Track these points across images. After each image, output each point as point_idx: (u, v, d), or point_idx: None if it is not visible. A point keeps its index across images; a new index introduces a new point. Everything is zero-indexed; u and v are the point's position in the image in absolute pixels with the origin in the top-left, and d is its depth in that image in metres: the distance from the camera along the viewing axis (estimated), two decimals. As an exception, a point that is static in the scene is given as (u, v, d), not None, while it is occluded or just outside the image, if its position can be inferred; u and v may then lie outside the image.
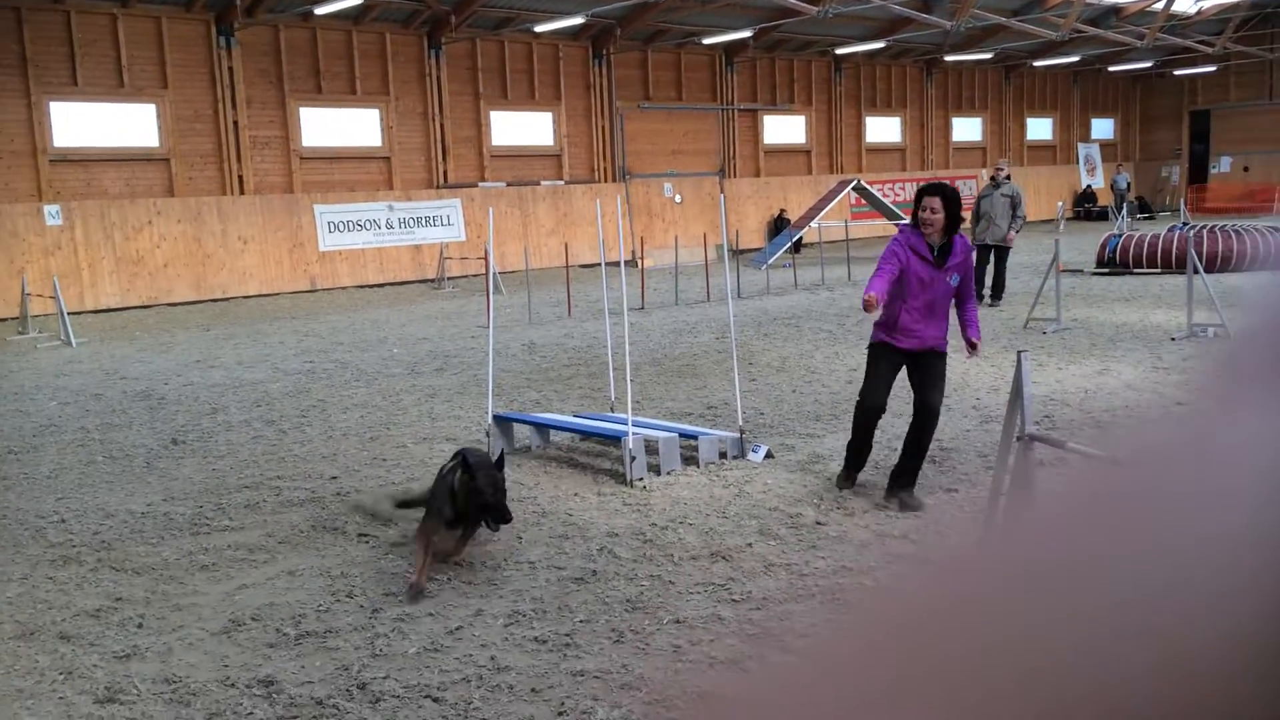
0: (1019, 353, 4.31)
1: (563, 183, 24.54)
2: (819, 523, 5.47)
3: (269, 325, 15.29)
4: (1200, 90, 37.99)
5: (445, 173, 22.85)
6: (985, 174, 34.21)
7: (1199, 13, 30.96)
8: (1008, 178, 14.52)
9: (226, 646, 4.27)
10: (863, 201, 24.31)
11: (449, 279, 20.44)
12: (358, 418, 8.60)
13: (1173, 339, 10.51)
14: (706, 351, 11.37)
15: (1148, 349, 10.10)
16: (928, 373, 5.91)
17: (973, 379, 9.06)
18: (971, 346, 6.06)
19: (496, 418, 7.21)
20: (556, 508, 5.91)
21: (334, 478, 6.77)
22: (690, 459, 6.66)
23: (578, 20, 21.94)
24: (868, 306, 5.65)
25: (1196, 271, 10.79)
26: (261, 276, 19.98)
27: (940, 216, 5.87)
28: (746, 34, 23.55)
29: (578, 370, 10.50)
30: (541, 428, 7.36)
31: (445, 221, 22.41)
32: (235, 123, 19.87)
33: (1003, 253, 14.23)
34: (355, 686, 3.86)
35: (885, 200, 24.02)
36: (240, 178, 20.05)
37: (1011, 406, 4.37)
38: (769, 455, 6.77)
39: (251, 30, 19.96)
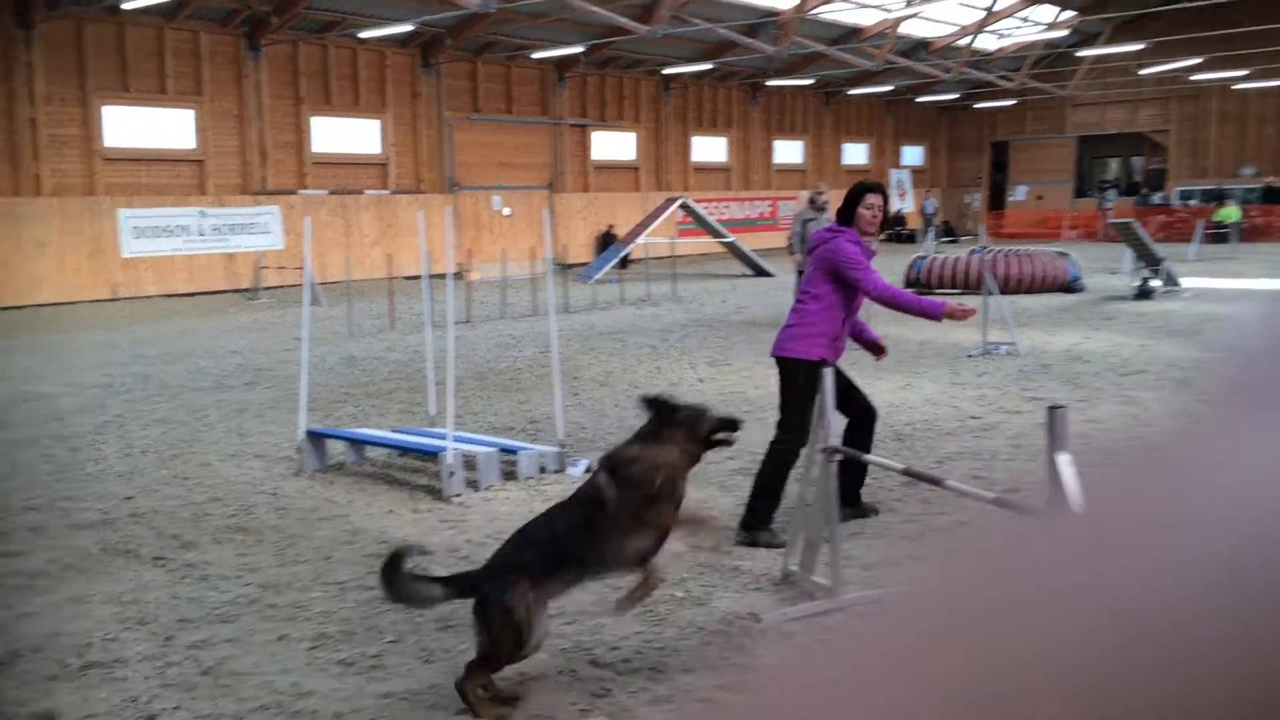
0: (822, 368, 4.47)
1: (388, 192, 24.08)
2: (635, 536, 5.52)
3: (64, 336, 14.37)
4: (1000, 123, 40.53)
5: (264, 179, 22.06)
6: (804, 195, 35.49)
7: (999, 51, 33.06)
8: (826, 201, 14.57)
9: (3, 680, 3.97)
10: (689, 219, 24.80)
11: (265, 289, 19.71)
12: (159, 434, 8.18)
13: (969, 356, 11.13)
14: (531, 366, 11.35)
15: (947, 365, 10.66)
16: (846, 376, 5.57)
17: (787, 393, 9.35)
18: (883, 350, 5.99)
19: (309, 433, 6.99)
20: (370, 526, 5.77)
21: (129, 498, 6.41)
22: (510, 474, 6.62)
23: (406, 27, 21.63)
24: (965, 314, 5.21)
25: (992, 293, 11.48)
26: (57, 284, 18.78)
27: (881, 216, 5.52)
28: (578, 50, 23.75)
29: (398, 385, 10.30)
30: (357, 443, 7.18)
31: (263, 229, 21.62)
32: (32, 120, 18.65)
33: None
34: (143, 718, 3.66)
35: (711, 218, 24.57)
36: (37, 177, 18.82)
37: (816, 420, 4.53)
38: (589, 469, 6.79)
39: (52, 24, 18.79)
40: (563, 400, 7.19)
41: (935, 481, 3.84)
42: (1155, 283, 16.33)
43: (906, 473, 4.11)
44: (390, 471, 6.98)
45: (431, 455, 6.58)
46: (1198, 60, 32.03)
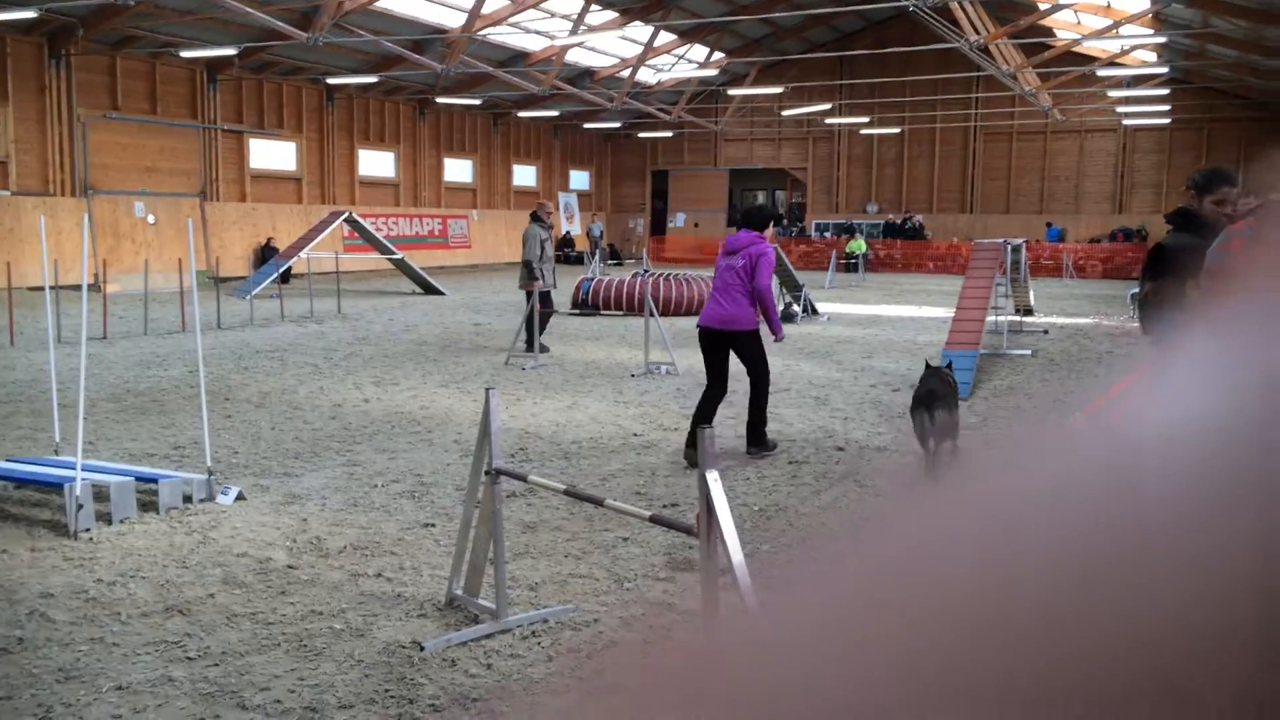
0: (486, 389, 4.45)
1: (9, 193, 21.55)
2: (290, 566, 5.23)
3: None
4: (660, 152, 42.61)
5: None
6: (476, 215, 35.54)
7: (658, 84, 34.77)
8: (552, 216, 13.64)
9: None
10: (355, 234, 24.06)
11: None
12: None
13: (632, 375, 11.55)
14: (177, 386, 10.51)
15: (611, 384, 11.00)
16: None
17: (455, 414, 9.26)
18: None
19: (-101, 466, 6.07)
20: (-25, 570, 5.08)
21: None
22: (150, 504, 6.07)
23: (29, 14, 19.45)
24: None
25: (652, 314, 11.99)
26: None
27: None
28: (231, 51, 22.37)
29: (17, 408, 9.18)
30: (-38, 476, 6.31)
31: None
32: None
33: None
34: None
35: (378, 234, 23.97)
36: None
37: (480, 441, 4.49)
38: (240, 497, 6.37)
39: None
40: (211, 423, 6.70)
41: (596, 501, 3.92)
42: (796, 308, 17.74)
43: (568, 493, 4.16)
44: (6, 506, 6.18)
45: (55, 487, 5.91)
46: (829, 106, 35.30)
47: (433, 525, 5.96)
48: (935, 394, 6.91)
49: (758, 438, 7.68)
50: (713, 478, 3.29)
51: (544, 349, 12.88)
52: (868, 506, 6.30)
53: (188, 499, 6.21)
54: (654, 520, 3.66)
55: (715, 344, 7.58)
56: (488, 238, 36.09)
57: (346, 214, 22.32)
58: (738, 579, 3.22)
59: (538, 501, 6.33)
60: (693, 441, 6.93)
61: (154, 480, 6.17)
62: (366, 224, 23.45)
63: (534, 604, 4.71)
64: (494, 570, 4.47)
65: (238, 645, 4.26)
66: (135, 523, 5.83)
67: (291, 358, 12.77)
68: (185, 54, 23.07)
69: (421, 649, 4.20)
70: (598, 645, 4.27)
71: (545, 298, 12.89)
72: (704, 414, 7.46)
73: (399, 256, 23.14)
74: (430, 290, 23.12)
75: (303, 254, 20.91)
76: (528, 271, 12.89)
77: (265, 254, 25.31)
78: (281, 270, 20.93)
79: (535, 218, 13.21)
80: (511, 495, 6.17)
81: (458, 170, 35.66)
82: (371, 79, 26.86)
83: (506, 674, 4.02)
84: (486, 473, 4.45)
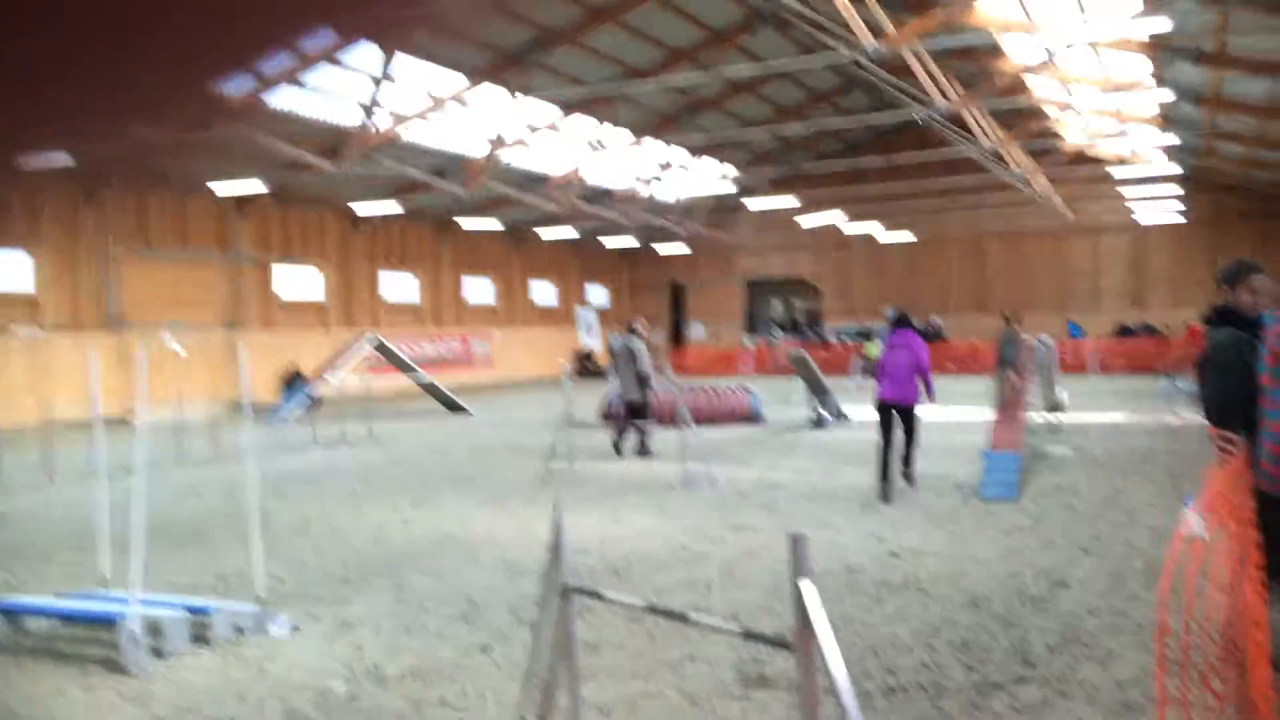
0: (555, 505, 4.38)
1: (41, 332, 21.88)
2: (352, 696, 5.10)
3: None
4: (677, 266, 43.15)
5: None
6: (498, 334, 35.85)
7: (675, 201, 35.44)
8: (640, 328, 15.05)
9: None
10: (381, 357, 24.23)
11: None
12: None
13: (672, 487, 11.43)
14: (215, 516, 10.45)
15: (651, 497, 10.87)
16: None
17: (498, 533, 9.15)
18: None
19: (-50, 605, 5.99)
20: (33, 712, 4.96)
21: None
22: (201, 638, 5.96)
23: (67, 161, 20.05)
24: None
25: (689, 425, 11.93)
26: None
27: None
28: (263, 189, 22.92)
29: (59, 545, 9.12)
30: (12, 614, 6.22)
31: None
32: None
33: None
34: None
35: (404, 356, 24.14)
36: None
37: (553, 560, 4.40)
38: (294, 628, 6.25)
39: None
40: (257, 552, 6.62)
41: (681, 618, 3.81)
42: (825, 413, 17.66)
43: (651, 609, 4.05)
44: (56, 644, 6.08)
45: (107, 622, 5.81)
46: (842, 214, 35.81)
47: (491, 648, 5.82)
48: None
49: (909, 477, 10.83)
50: (807, 586, 3.19)
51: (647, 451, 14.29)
52: (934, 613, 6.13)
53: (240, 631, 6.10)
54: (748, 636, 3.55)
55: (888, 412, 10.51)
56: (509, 355, 36.33)
57: (377, 341, 22.52)
58: (840, 693, 3.09)
59: (595, 620, 6.19)
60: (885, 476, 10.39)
61: (206, 612, 6.07)
62: (393, 346, 23.65)
63: (607, 728, 4.55)
64: (568, 694, 4.32)
65: None
66: (189, 656, 5.71)
67: (327, 482, 12.72)
68: (218, 191, 23.61)
69: (498, 780, 4.03)
70: (680, 770, 4.10)
71: (646, 408, 14.39)
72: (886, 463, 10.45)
73: (426, 378, 23.25)
74: (456, 409, 23.16)
75: (330, 378, 21.02)
76: (645, 384, 14.29)
77: (292, 380, 25.47)
78: (310, 396, 21.04)
79: (636, 333, 14.71)
80: (580, 613, 6.03)
81: (478, 290, 36.12)
82: (396, 207, 27.43)
83: (589, 804, 3.85)
84: (561, 595, 4.34)
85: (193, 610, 6.13)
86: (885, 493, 10.17)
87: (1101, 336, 34.20)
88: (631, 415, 14.41)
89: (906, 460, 10.66)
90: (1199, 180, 32.34)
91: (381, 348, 22.67)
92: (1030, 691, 4.82)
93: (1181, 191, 31.96)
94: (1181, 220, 34.02)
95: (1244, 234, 33.72)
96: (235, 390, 25.43)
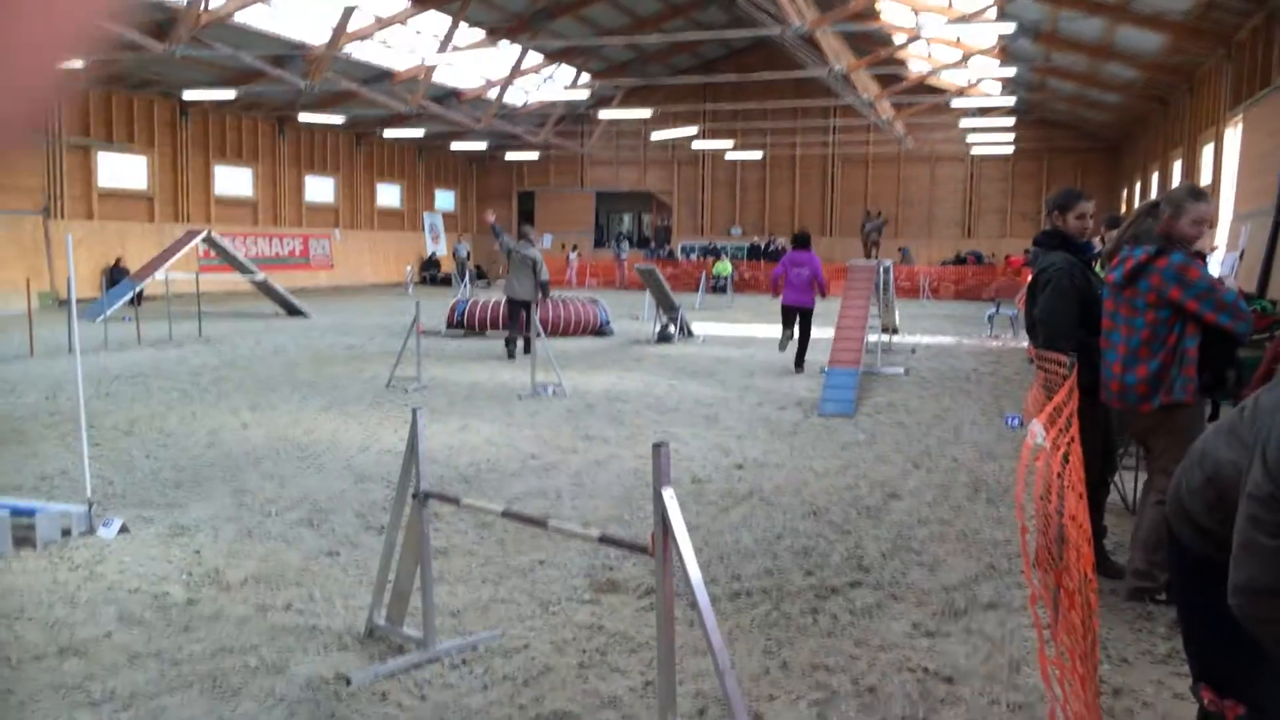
0: (414, 410, 4.31)
1: None
2: (190, 601, 4.94)
3: None
4: (527, 174, 42.51)
5: None
6: (338, 234, 34.70)
7: (524, 106, 34.73)
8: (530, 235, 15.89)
9: None
10: (213, 254, 23.13)
11: None
12: None
13: (520, 397, 11.41)
14: (35, 414, 9.87)
15: (499, 406, 10.84)
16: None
17: (342, 438, 8.97)
18: None
19: None
20: None
21: None
22: (25, 540, 5.65)
23: None
24: None
25: (539, 335, 11.89)
26: None
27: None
28: (78, 64, 21.20)
29: None
30: None
31: None
32: None
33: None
34: None
35: (238, 254, 23.10)
36: None
37: (407, 464, 4.35)
38: (124, 529, 6.00)
39: None
40: (80, 452, 6.29)
41: (539, 523, 3.83)
42: (672, 329, 17.90)
43: (507, 514, 4.05)
44: None
45: (-83, 524, 5.44)
46: (694, 130, 35.91)
47: (337, 554, 5.73)
48: None
49: (800, 365, 13.83)
50: (668, 495, 3.25)
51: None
52: (777, 522, 6.37)
53: (66, 533, 5.82)
54: (604, 540, 3.60)
55: (792, 314, 13.84)
56: (351, 258, 35.28)
57: (205, 233, 21.44)
58: (697, 597, 3.18)
59: (445, 527, 6.17)
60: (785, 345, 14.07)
61: (30, 513, 5.76)
62: (226, 242, 22.58)
63: (459, 631, 4.57)
64: (422, 597, 4.32)
65: (145, 687, 3.99)
66: (12, 559, 5.42)
67: (155, 383, 12.15)
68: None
69: (348, 683, 4.01)
70: (533, 671, 4.16)
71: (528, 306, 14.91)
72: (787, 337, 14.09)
73: (261, 277, 22.35)
74: (294, 312, 22.42)
75: (158, 274, 19.96)
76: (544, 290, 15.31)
77: (115, 275, 24.09)
78: (135, 292, 19.96)
79: (529, 240, 15.60)
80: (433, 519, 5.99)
81: (319, 189, 34.77)
82: (229, 94, 25.93)
83: (442, 705, 3.88)
84: (414, 496, 4.30)
85: (15, 511, 5.81)
86: (784, 345, 14.12)
87: (933, 264, 35.65)
88: (518, 315, 15.21)
89: (800, 353, 13.87)
90: (1030, 115, 33.78)
91: (213, 243, 21.62)
92: (865, 595, 5.08)
93: (1013, 124, 33.35)
94: (1011, 152, 35.53)
95: (1066, 168, 35.53)
96: (51, 282, 23.89)
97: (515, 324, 15.27)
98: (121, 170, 27.12)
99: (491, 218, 15.62)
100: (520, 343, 15.04)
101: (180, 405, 10.61)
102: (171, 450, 8.42)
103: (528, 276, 15.00)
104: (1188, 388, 4.76)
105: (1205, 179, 19.73)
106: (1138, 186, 29.81)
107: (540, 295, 15.10)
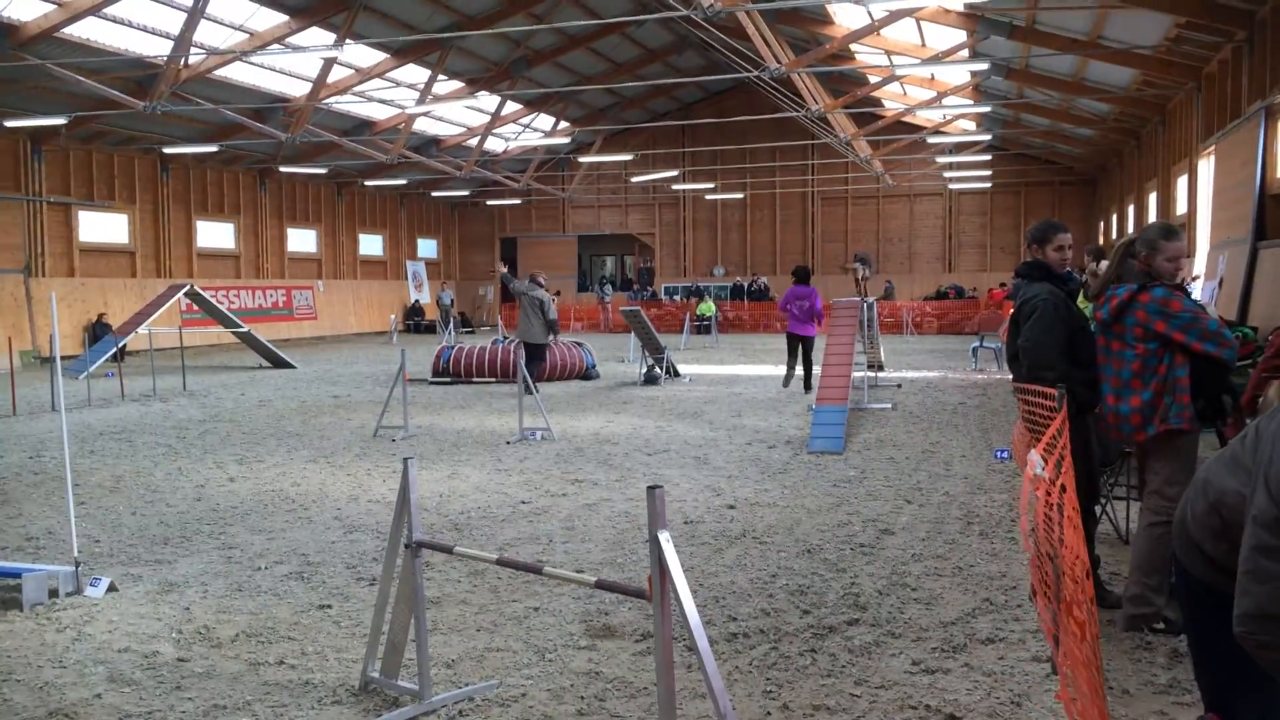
0: (405, 459, 4.28)
1: None
2: (180, 659, 4.87)
3: None
4: (509, 219, 42.68)
5: None
6: (321, 285, 34.71)
7: (505, 152, 34.95)
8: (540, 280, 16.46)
9: None
10: (196, 307, 23.08)
11: None
12: None
13: (508, 443, 11.37)
14: (19, 474, 9.77)
15: (488, 452, 10.80)
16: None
17: (330, 489, 8.90)
18: None
19: None
20: None
21: None
22: (12, 602, 5.57)
23: None
24: None
25: (527, 381, 11.87)
26: None
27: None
28: (59, 121, 21.24)
29: None
30: None
31: None
32: None
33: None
34: None
35: (221, 307, 23.06)
36: None
37: (399, 513, 4.31)
38: (112, 588, 5.93)
39: None
40: (66, 511, 6.21)
41: (534, 569, 3.79)
42: (659, 370, 17.91)
43: (501, 562, 4.01)
44: None
45: (-99, 589, 5.36)
46: (675, 172, 36.19)
47: (329, 606, 5.67)
48: None
49: (808, 387, 15.46)
50: (664, 538, 3.23)
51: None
52: (771, 561, 6.34)
53: (54, 594, 5.74)
54: (601, 585, 3.56)
55: (795, 342, 16.04)
56: (334, 308, 35.26)
57: (188, 286, 21.40)
58: (697, 641, 3.16)
59: (437, 576, 6.11)
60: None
61: (16, 575, 5.68)
62: (209, 296, 22.54)
63: (455, 682, 4.51)
64: (416, 649, 4.26)
65: None
66: (-2, 622, 5.34)
67: (140, 438, 12.07)
68: (10, 124, 21.81)
69: (345, 738, 3.95)
70: (531, 720, 4.11)
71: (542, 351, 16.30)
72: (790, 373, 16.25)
73: (245, 330, 22.29)
74: (279, 364, 22.35)
75: (141, 329, 19.89)
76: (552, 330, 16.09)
77: (98, 330, 23.99)
78: (118, 347, 19.87)
79: (539, 283, 16.12)
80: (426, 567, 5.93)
81: (302, 240, 34.80)
82: (210, 148, 26.01)
83: (440, 758, 3.82)
84: (406, 546, 4.26)
85: (1, 573, 5.73)
86: (787, 380, 16.43)
87: (916, 299, 35.86)
88: (531, 358, 15.90)
89: (807, 377, 15.92)
90: (1006, 150, 34.20)
91: (196, 297, 21.58)
92: (863, 633, 5.05)
93: (989, 159, 33.73)
94: (989, 187, 35.91)
95: (1043, 201, 35.90)
96: (32, 340, 23.75)
97: (533, 365, 15.96)
98: (103, 226, 27.09)
99: (503, 269, 17.00)
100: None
101: (166, 460, 10.52)
102: (158, 506, 8.33)
103: (537, 317, 15.75)
104: (1183, 415, 4.92)
105: (1180, 210, 19.96)
106: (1114, 218, 30.13)
107: (551, 335, 16.05)
